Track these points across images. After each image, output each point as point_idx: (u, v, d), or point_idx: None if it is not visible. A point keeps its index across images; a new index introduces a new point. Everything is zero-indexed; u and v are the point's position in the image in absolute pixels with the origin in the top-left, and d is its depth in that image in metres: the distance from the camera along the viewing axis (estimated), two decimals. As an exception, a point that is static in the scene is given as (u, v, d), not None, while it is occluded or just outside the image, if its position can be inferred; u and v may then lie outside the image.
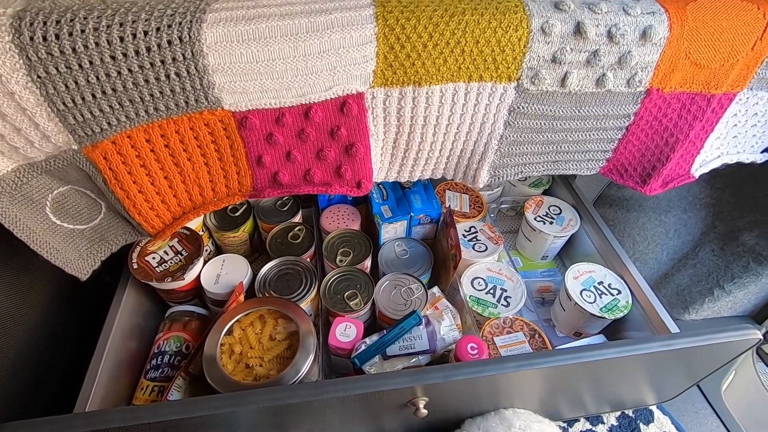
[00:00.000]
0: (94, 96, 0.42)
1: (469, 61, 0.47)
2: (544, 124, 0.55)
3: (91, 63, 0.40)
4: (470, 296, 0.69)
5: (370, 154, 0.53)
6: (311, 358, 0.52)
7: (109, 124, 0.44)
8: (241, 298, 0.61)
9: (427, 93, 0.48)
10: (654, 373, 0.58)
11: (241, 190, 0.53)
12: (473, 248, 0.74)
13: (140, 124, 0.45)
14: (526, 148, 0.57)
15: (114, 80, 0.42)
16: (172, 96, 0.44)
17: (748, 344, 0.51)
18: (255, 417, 0.47)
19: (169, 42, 0.41)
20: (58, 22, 0.39)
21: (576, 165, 0.61)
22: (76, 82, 0.41)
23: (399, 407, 0.51)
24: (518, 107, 0.52)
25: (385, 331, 0.59)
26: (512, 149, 0.57)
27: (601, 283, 0.69)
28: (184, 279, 0.62)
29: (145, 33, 0.40)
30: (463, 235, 0.77)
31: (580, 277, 0.70)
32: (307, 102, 0.47)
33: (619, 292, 0.68)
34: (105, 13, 0.40)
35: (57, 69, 0.40)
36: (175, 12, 0.42)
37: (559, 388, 0.57)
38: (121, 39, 0.40)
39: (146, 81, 0.42)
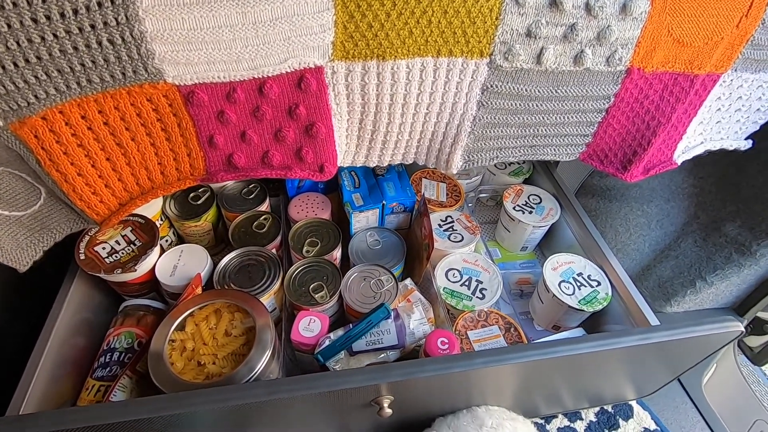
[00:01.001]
0: (15, 65, 0.38)
1: (437, 33, 0.44)
2: (520, 104, 0.51)
3: (9, 26, 0.36)
4: (444, 288, 0.66)
5: (334, 136, 0.49)
6: (267, 354, 0.49)
7: (36, 97, 0.40)
8: (198, 290, 0.57)
9: (392, 68, 0.45)
10: (633, 368, 0.56)
11: (193, 174, 0.49)
12: (449, 238, 0.72)
13: (72, 98, 0.41)
14: (502, 131, 0.54)
15: (37, 47, 0.37)
16: (106, 66, 0.39)
17: (730, 337, 0.49)
18: (209, 416, 0.43)
19: (99, 4, 0.37)
20: (-31, -22, 0.35)
21: (554, 150, 0.58)
22: (-6, 48, 0.36)
23: (362, 406, 0.47)
24: (491, 86, 0.49)
25: (351, 325, 0.56)
26: (486, 132, 0.54)
27: (580, 274, 0.67)
28: (135, 271, 0.57)
29: (72, -7, 0.36)
30: (439, 224, 0.74)
31: (558, 268, 0.68)
32: (261, 76, 0.43)
33: (599, 284, 0.66)
34: (25, -30, 0.36)
35: (-31, 32, 0.35)
36: (108, -29, 0.37)
37: (535, 383, 0.54)
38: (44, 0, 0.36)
39: (75, 48, 0.38)
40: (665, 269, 0.79)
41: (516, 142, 0.56)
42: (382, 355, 0.55)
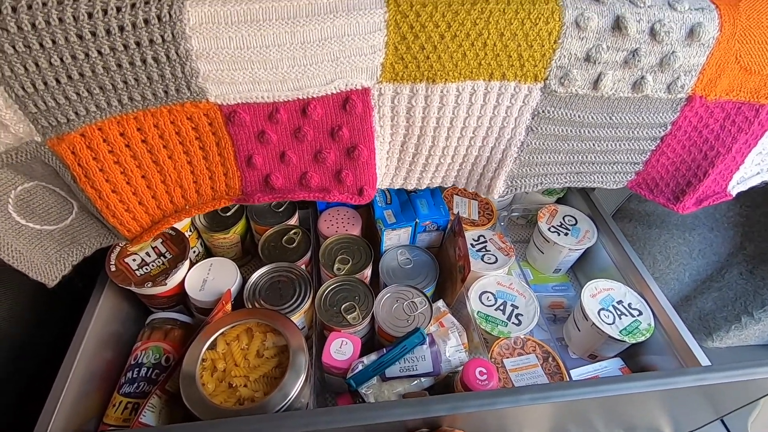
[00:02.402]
0: (57, 81, 0.36)
1: (492, 56, 0.41)
2: (571, 131, 0.49)
3: (54, 42, 0.35)
4: (478, 312, 0.63)
5: (375, 158, 0.47)
6: (302, 379, 0.47)
7: (76, 114, 0.39)
8: (228, 307, 0.55)
9: (441, 91, 0.43)
10: (676, 405, 0.53)
11: (228, 194, 0.48)
12: (482, 259, 0.69)
13: (113, 115, 0.39)
14: (549, 157, 0.51)
15: (81, 63, 0.36)
16: (149, 84, 0.38)
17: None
18: None
19: (146, 21, 0.35)
20: (16, -8, 0.34)
21: (602, 177, 0.55)
22: (37, 64, 0.35)
23: None
24: (543, 111, 0.46)
25: (384, 349, 0.54)
26: (533, 158, 0.51)
27: (620, 302, 0.64)
28: (166, 284, 0.56)
29: (118, 9, 0.35)
30: (472, 244, 0.71)
31: (597, 295, 0.64)
32: (305, 97, 0.41)
33: (640, 313, 0.62)
34: (72, -16, 0.35)
35: (14, 48, 0.34)
36: (155, -13, 0.36)
37: (572, 417, 0.51)
38: (90, 15, 0.34)
39: (119, 65, 0.37)
40: (707, 301, 0.75)
41: (562, 168, 0.53)
42: (415, 382, 0.53)
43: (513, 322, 0.62)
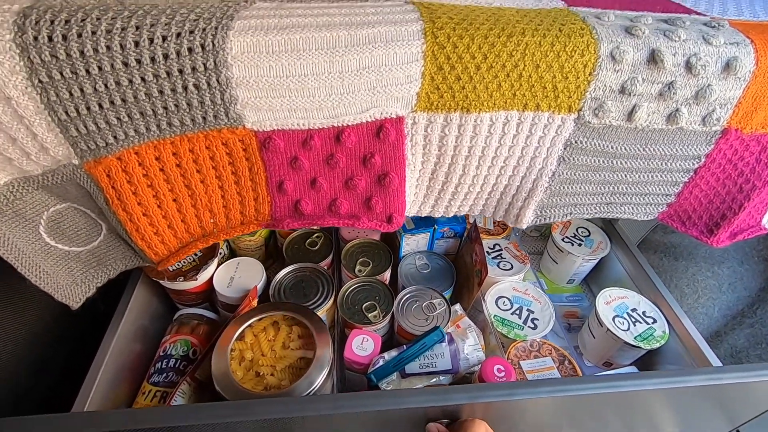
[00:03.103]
0: (100, 106, 0.37)
1: (526, 87, 0.41)
2: (603, 161, 0.48)
3: (100, 69, 0.35)
4: (495, 316, 0.64)
5: (405, 186, 0.47)
6: (326, 370, 0.48)
7: (115, 138, 0.39)
8: (254, 302, 0.57)
9: (475, 121, 0.43)
10: (689, 411, 0.52)
11: (257, 218, 0.48)
12: (498, 266, 0.70)
13: (150, 140, 0.40)
14: (580, 188, 0.51)
15: (124, 89, 0.36)
16: (188, 110, 0.38)
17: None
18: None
19: (190, 49, 0.36)
20: (67, 21, 0.35)
21: (632, 209, 0.54)
22: (82, 90, 0.36)
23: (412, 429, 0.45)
24: (576, 141, 0.46)
25: (404, 346, 0.54)
26: (564, 188, 0.50)
27: (634, 310, 0.63)
28: (196, 279, 0.58)
29: (164, 38, 0.35)
30: (488, 252, 0.72)
31: (612, 302, 0.64)
32: (340, 124, 0.42)
33: (655, 321, 0.62)
34: (121, 14, 0.36)
35: (61, 74, 0.35)
36: (200, 17, 0.37)
37: (588, 415, 0.50)
38: (136, 44, 0.35)
39: (161, 92, 0.37)
40: (739, 338, 0.73)
41: (593, 199, 0.52)
42: (434, 379, 0.53)
43: (529, 326, 0.62)
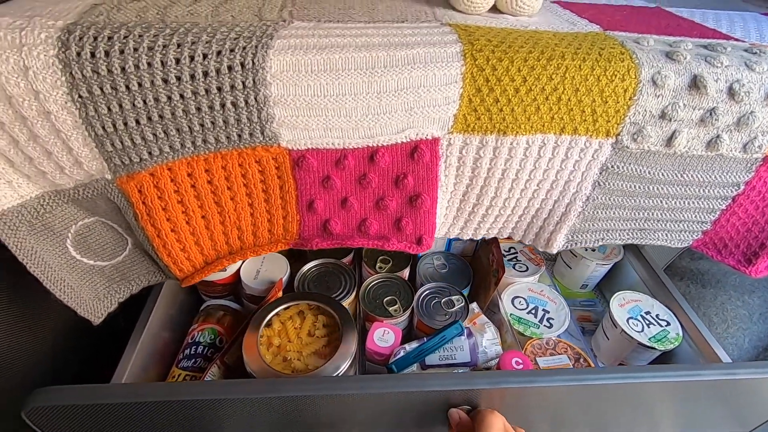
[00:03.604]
0: (137, 122, 0.37)
1: (565, 111, 0.41)
2: (639, 187, 0.47)
3: (140, 85, 0.35)
4: (511, 314, 0.64)
5: (436, 207, 0.46)
6: (351, 356, 0.49)
7: (149, 153, 0.39)
8: (280, 294, 0.59)
9: (511, 143, 0.42)
10: (701, 411, 0.52)
11: (285, 237, 0.47)
12: (514, 268, 0.71)
13: (184, 157, 0.40)
14: (613, 213, 0.49)
15: (162, 106, 0.36)
16: (224, 128, 0.38)
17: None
18: (282, 416, 0.44)
19: (230, 68, 0.36)
20: (110, 38, 0.35)
21: (666, 235, 0.53)
22: (121, 105, 0.36)
23: (431, 416, 0.46)
24: (612, 166, 0.45)
25: (425, 338, 0.55)
26: (597, 213, 0.49)
27: (648, 313, 0.63)
28: (225, 270, 0.60)
29: (204, 56, 0.35)
30: (503, 254, 0.72)
31: (625, 305, 0.64)
32: (375, 144, 0.41)
33: (668, 324, 0.62)
34: (163, 32, 0.36)
35: (101, 89, 0.35)
36: (240, 36, 0.37)
37: (596, 412, 0.50)
38: (177, 61, 0.35)
39: (198, 109, 0.37)
40: (772, 371, 0.69)
41: (626, 224, 0.51)
42: (454, 372, 0.53)
43: (545, 325, 0.63)
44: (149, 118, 0.37)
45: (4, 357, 0.50)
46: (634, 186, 0.47)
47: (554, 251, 0.52)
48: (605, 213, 0.49)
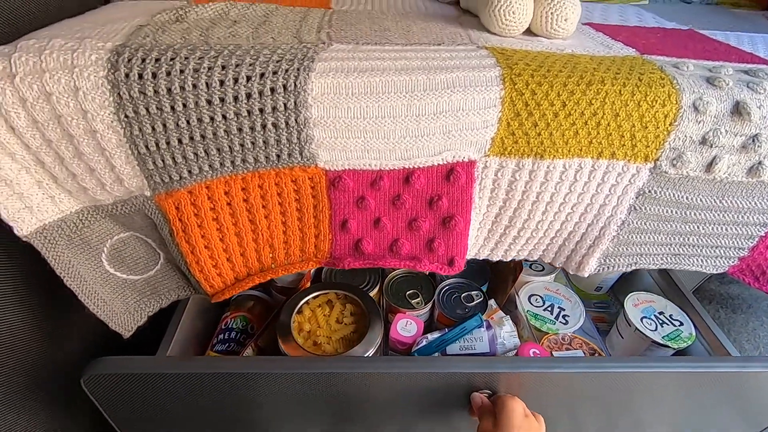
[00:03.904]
0: (180, 141, 0.37)
1: (604, 135, 0.40)
2: (676, 212, 0.46)
3: (184, 106, 0.36)
4: (528, 311, 0.66)
5: (468, 229, 0.46)
6: (377, 342, 0.52)
7: (189, 172, 0.39)
8: (308, 284, 0.62)
9: (548, 167, 0.42)
10: (712, 411, 0.54)
11: (317, 256, 0.47)
12: (530, 267, 0.73)
13: (223, 176, 0.40)
14: (648, 238, 0.49)
15: (205, 126, 0.37)
16: (264, 148, 0.39)
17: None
18: (313, 393, 0.47)
19: (272, 89, 0.36)
20: (157, 60, 0.36)
21: (701, 261, 0.52)
22: (164, 125, 0.36)
23: (453, 400, 0.49)
24: (649, 191, 0.44)
25: (446, 329, 0.58)
26: (631, 237, 0.48)
27: (661, 313, 0.64)
28: None
29: (248, 78, 0.36)
30: None
31: (639, 305, 0.65)
32: (411, 166, 0.41)
33: (682, 324, 0.62)
34: (208, 54, 0.36)
35: (147, 110, 0.36)
36: (282, 58, 0.37)
37: (610, 404, 0.53)
38: (221, 83, 0.36)
39: (239, 130, 0.37)
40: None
41: (660, 249, 0.50)
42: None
43: (560, 321, 0.65)
44: (192, 138, 0.37)
45: (61, 331, 0.53)
46: (671, 211, 0.46)
47: (586, 275, 0.51)
48: (640, 237, 0.49)
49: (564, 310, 0.66)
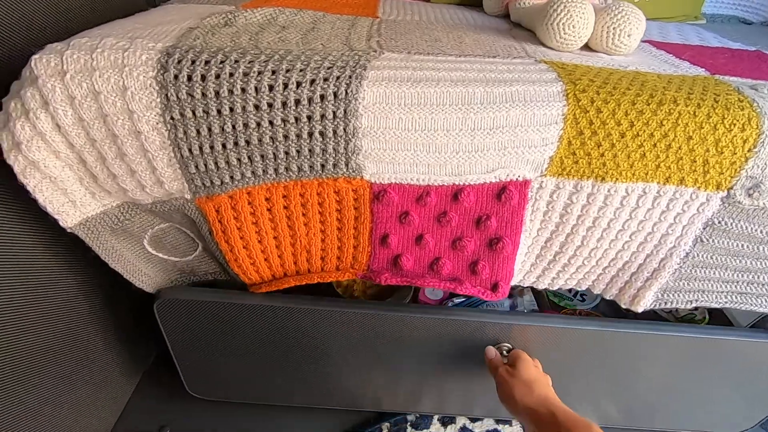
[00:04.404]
0: (224, 146, 0.36)
1: (673, 159, 0.37)
2: (747, 247, 0.42)
3: (231, 110, 0.35)
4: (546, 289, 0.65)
5: (516, 253, 0.43)
6: (407, 299, 0.57)
7: (231, 178, 0.38)
8: None
9: (608, 190, 0.39)
10: (730, 389, 0.56)
11: (354, 267, 0.45)
12: None
13: (265, 183, 0.38)
14: (713, 273, 0.45)
15: (251, 132, 0.36)
16: (309, 157, 0.37)
17: None
18: (353, 331, 0.51)
19: (322, 97, 0.35)
20: (207, 62, 0.35)
21: (770, 301, 0.47)
22: (210, 129, 0.35)
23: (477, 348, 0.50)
24: (719, 222, 0.41)
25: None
26: (695, 272, 0.44)
27: None
28: None
29: (298, 84, 0.35)
30: None
31: None
32: (461, 183, 0.39)
33: (696, 308, 0.63)
34: (258, 58, 0.35)
35: (193, 112, 0.35)
36: (333, 65, 0.36)
37: (623, 367, 0.55)
38: (271, 88, 0.34)
39: (285, 137, 0.36)
40: None
41: (726, 286, 0.46)
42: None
43: (578, 299, 0.67)
44: (236, 143, 0.36)
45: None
46: (742, 245, 0.42)
47: (640, 310, 0.47)
48: (704, 273, 0.45)
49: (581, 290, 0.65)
